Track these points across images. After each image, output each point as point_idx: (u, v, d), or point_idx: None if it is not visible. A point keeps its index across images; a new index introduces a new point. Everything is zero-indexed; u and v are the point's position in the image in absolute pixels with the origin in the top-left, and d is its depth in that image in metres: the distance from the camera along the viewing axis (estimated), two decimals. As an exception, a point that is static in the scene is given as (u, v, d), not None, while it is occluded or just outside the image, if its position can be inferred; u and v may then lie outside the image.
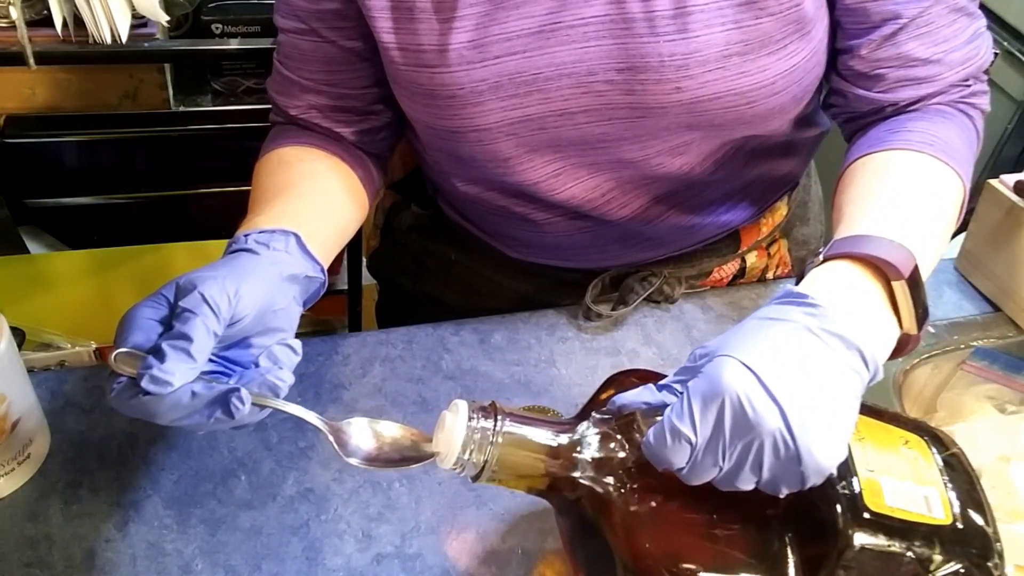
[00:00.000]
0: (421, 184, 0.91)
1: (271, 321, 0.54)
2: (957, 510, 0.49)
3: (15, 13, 0.95)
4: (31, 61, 0.97)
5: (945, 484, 0.50)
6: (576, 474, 0.49)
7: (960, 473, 0.51)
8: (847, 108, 0.71)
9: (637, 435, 0.49)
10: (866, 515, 0.47)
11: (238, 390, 0.49)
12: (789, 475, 0.45)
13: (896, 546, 0.46)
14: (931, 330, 0.82)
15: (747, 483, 0.46)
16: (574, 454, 0.49)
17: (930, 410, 0.83)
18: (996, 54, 1.57)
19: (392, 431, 0.53)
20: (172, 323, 0.50)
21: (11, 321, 0.62)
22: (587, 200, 0.73)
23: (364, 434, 0.52)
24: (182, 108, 1.20)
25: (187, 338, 0.48)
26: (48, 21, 0.98)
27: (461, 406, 0.49)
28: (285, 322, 0.56)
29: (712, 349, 0.48)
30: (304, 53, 0.71)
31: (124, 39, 0.99)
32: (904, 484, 0.49)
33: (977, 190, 0.86)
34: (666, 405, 0.48)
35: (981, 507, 0.49)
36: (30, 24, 0.98)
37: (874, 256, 0.53)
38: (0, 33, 0.99)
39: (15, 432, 0.62)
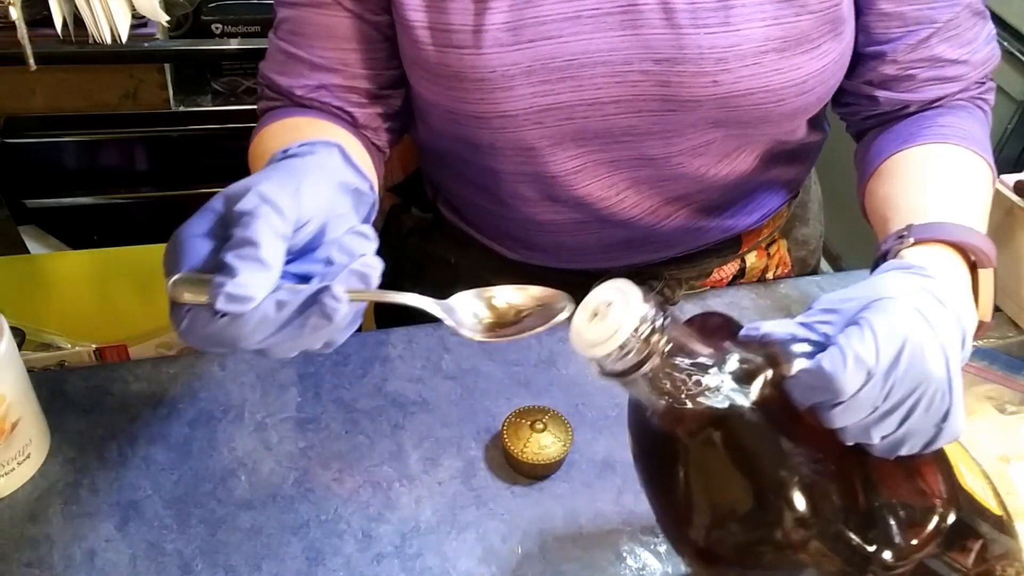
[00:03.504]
0: (421, 187, 0.91)
1: (337, 227, 0.46)
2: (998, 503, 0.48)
3: (15, 13, 0.95)
4: (31, 61, 0.97)
5: (987, 477, 0.49)
6: (707, 399, 0.44)
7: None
8: (865, 109, 0.71)
9: (779, 366, 0.45)
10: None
11: (328, 287, 0.42)
12: (925, 432, 0.44)
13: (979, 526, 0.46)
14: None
15: (887, 429, 0.44)
16: (713, 375, 0.45)
17: (930, 410, 0.83)
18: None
19: (508, 296, 0.48)
20: (230, 232, 0.43)
21: (11, 321, 0.62)
22: (602, 198, 0.73)
23: (476, 306, 0.48)
24: (182, 108, 1.20)
25: (252, 243, 0.41)
26: (48, 21, 0.98)
27: (628, 289, 0.43)
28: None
29: (861, 296, 0.46)
30: (318, 29, 0.67)
31: (124, 39, 1.00)
32: (969, 472, 0.48)
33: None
34: (808, 340, 0.46)
35: (1004, 505, 0.49)
36: (30, 24, 0.98)
37: (966, 243, 0.53)
38: (0, 33, 1.00)
39: (15, 432, 0.62)
